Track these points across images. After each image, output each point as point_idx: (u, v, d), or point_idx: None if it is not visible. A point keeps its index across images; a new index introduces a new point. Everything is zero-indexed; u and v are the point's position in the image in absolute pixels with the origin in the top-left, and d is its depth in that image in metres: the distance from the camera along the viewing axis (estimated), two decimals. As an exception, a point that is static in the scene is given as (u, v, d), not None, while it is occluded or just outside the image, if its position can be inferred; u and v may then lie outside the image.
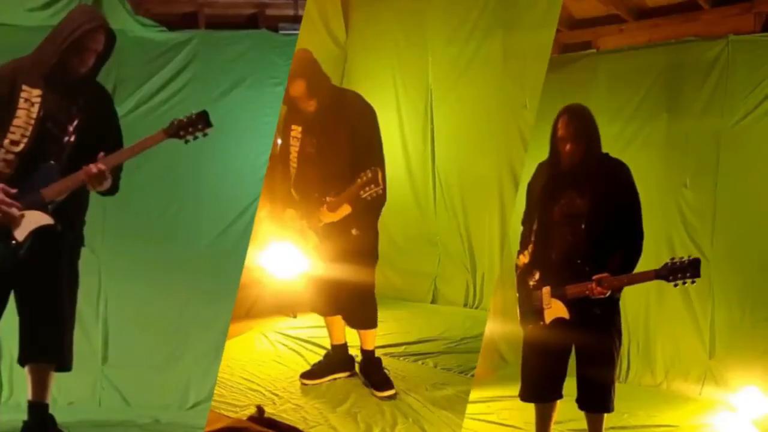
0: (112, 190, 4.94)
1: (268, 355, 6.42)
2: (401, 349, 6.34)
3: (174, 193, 6.54)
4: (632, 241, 4.82)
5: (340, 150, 5.14)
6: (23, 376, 5.02)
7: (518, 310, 5.04)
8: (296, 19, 7.42)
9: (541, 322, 4.88)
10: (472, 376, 5.78)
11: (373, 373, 5.55)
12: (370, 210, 5.18)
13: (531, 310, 4.93)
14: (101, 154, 4.64)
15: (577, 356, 4.96)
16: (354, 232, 5.23)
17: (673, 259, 4.55)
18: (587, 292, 4.66)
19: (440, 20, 7.79)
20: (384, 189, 4.95)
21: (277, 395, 5.56)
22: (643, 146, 6.96)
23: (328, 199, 5.10)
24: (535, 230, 4.96)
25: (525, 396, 5.08)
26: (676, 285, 4.57)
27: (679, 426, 6.02)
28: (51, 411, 5.03)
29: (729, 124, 6.61)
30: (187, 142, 4.89)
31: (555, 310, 4.83)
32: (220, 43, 6.66)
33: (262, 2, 7.48)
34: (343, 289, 5.38)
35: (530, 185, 5.13)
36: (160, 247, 6.47)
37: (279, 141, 5.76)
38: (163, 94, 6.50)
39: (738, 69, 6.57)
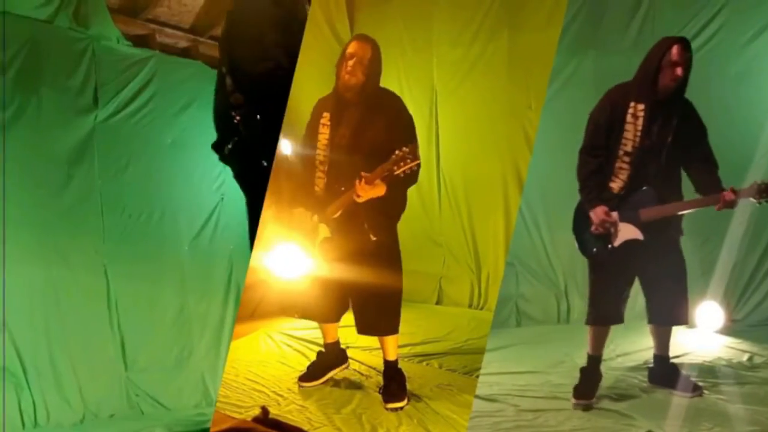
0: None
1: (272, 356, 6.42)
2: (406, 350, 6.33)
3: (156, 199, 6.61)
4: (711, 163, 5.33)
5: (377, 142, 5.02)
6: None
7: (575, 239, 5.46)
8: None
9: (610, 245, 5.30)
10: (477, 377, 5.77)
11: (393, 386, 5.42)
12: (402, 188, 5.14)
13: (594, 236, 5.35)
14: None
15: (650, 276, 5.42)
16: (372, 237, 5.16)
17: (759, 181, 5.02)
18: (717, 203, 5.09)
19: (445, 21, 7.80)
20: (419, 163, 4.86)
21: (281, 396, 5.55)
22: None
23: (362, 174, 4.88)
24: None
25: (594, 319, 5.53)
26: (760, 203, 5.08)
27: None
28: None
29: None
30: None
31: (626, 232, 5.25)
32: (174, 64, 6.80)
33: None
34: (356, 291, 5.30)
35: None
36: (152, 248, 6.53)
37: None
38: (137, 102, 6.60)
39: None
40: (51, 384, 6.09)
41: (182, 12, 7.57)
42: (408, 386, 5.48)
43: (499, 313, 7.23)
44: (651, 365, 5.74)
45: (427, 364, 6.08)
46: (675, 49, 5.16)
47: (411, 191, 7.93)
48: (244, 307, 6.85)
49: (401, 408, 5.25)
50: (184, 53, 7.70)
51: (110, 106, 6.53)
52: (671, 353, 5.88)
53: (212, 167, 6.67)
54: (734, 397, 5.42)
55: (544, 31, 6.93)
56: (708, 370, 5.96)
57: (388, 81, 8.02)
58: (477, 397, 5.56)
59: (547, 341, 6.02)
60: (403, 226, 8.01)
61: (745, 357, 6.19)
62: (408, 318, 7.11)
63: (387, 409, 5.26)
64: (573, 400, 5.47)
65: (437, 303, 7.92)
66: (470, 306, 7.67)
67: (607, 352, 6.19)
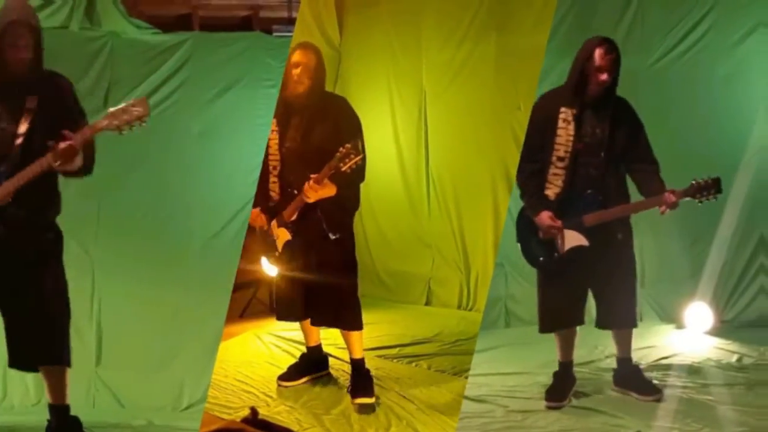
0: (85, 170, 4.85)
1: (262, 356, 6.42)
2: (395, 351, 6.34)
3: (165, 196, 6.52)
4: (650, 163, 5.35)
5: (324, 143, 5.08)
6: (16, 377, 5.01)
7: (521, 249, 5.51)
8: (290, 21, 7.44)
9: (556, 254, 5.34)
10: (467, 377, 5.78)
11: (360, 381, 5.45)
12: (351, 185, 5.19)
13: (538, 244, 5.41)
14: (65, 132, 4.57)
15: (598, 280, 5.47)
16: (332, 236, 5.22)
17: (696, 179, 5.07)
18: (662, 206, 5.12)
19: (434, 22, 7.81)
20: (364, 158, 4.99)
21: (271, 397, 5.56)
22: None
23: (311, 176, 4.99)
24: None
25: (545, 328, 5.62)
26: (700, 202, 5.13)
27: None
28: (40, 412, 5.04)
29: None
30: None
31: (571, 239, 5.29)
32: (214, 45, 6.64)
33: (256, 4, 7.48)
34: (319, 288, 5.35)
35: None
36: (153, 248, 6.46)
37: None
38: (157, 96, 6.48)
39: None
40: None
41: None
42: (397, 387, 5.52)
43: (489, 314, 7.22)
44: (615, 368, 5.76)
45: (416, 365, 6.09)
46: (598, 54, 5.19)
47: (400, 192, 8.00)
48: (233, 308, 6.83)
49: (371, 405, 5.29)
50: (244, 24, 7.53)
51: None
52: (661, 354, 5.91)
53: (253, 154, 6.47)
54: (723, 397, 5.44)
55: (533, 33, 6.94)
56: (697, 371, 5.98)
57: (377, 83, 8.09)
58: (466, 398, 5.56)
59: (537, 342, 6.00)
60: (391, 227, 8.06)
61: (734, 358, 6.21)
62: (397, 319, 7.14)
63: (355, 404, 5.29)
64: (545, 402, 5.51)
65: (426, 304, 7.92)
66: (459, 307, 7.68)
67: (596, 353, 6.22)
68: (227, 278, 6.16)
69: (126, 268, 6.41)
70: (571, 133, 5.26)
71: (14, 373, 5.44)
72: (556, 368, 5.67)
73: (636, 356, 5.86)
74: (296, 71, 5.17)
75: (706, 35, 7.08)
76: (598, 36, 5.34)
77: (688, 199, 5.12)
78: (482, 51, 7.48)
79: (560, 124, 5.28)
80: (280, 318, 5.81)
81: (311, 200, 5.06)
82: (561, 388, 5.59)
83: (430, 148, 7.90)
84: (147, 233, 6.46)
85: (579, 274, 5.43)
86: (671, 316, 7.14)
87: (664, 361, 6.14)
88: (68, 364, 5.02)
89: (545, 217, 5.30)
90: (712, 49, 7.07)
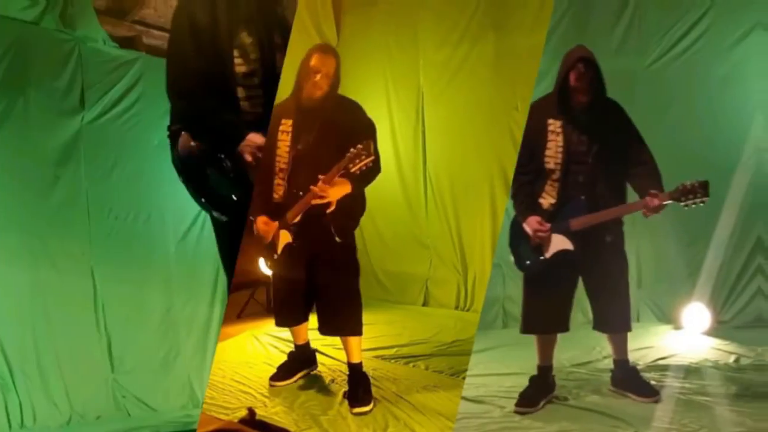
0: None
1: (259, 357, 6.41)
2: (392, 351, 6.34)
3: (143, 201, 6.59)
4: (646, 165, 5.31)
5: (337, 146, 5.00)
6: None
7: (511, 253, 5.53)
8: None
9: (542, 257, 5.35)
10: (464, 378, 5.77)
11: (360, 391, 5.38)
12: (364, 185, 5.17)
13: (526, 249, 5.42)
14: None
15: (590, 284, 5.49)
16: (338, 240, 5.18)
17: (684, 182, 4.97)
18: (644, 209, 5.09)
19: (431, 23, 7.81)
20: (377, 161, 4.92)
21: (268, 398, 5.55)
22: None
23: (320, 176, 4.93)
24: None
25: (525, 329, 5.65)
26: (686, 206, 5.01)
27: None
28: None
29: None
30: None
31: (557, 243, 5.29)
32: (161, 66, 6.79)
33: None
34: (320, 293, 5.36)
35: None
36: (140, 250, 6.52)
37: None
38: (123, 103, 6.58)
39: None
40: (37, 386, 6.08)
41: (168, 13, 7.53)
42: (394, 388, 5.50)
43: (486, 315, 7.24)
44: (612, 369, 5.76)
45: (414, 366, 6.08)
46: (573, 76, 5.24)
47: (397, 192, 8.00)
48: (231, 309, 6.84)
49: (368, 412, 5.25)
50: None
51: (97, 108, 6.53)
52: (659, 354, 5.91)
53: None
54: (720, 398, 5.44)
55: (531, 33, 6.94)
56: (694, 371, 5.98)
57: (374, 82, 8.09)
58: (464, 398, 5.57)
59: (534, 343, 6.02)
60: (389, 228, 8.05)
61: (731, 358, 6.22)
62: (394, 319, 7.13)
63: (353, 413, 5.25)
64: (514, 407, 5.51)
65: (424, 304, 7.91)
66: (457, 307, 7.67)
67: (594, 354, 6.23)
68: (203, 275, 6.24)
69: (119, 270, 6.48)
70: (560, 144, 5.28)
71: (41, 395, 5.54)
72: (553, 369, 5.68)
73: (633, 357, 5.87)
74: (317, 77, 5.13)
75: (703, 36, 7.09)
76: (578, 49, 5.36)
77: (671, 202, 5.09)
78: (480, 51, 7.49)
79: (549, 136, 5.32)
80: (280, 324, 5.75)
81: (330, 199, 4.98)
82: (534, 393, 5.58)
83: (428, 148, 7.90)
84: (133, 235, 6.54)
85: (564, 279, 5.46)
86: (669, 317, 7.16)
87: (661, 362, 6.15)
88: None
89: (533, 222, 5.34)
90: (709, 51, 7.08)
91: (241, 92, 4.92)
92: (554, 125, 5.30)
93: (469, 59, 7.57)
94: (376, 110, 7.73)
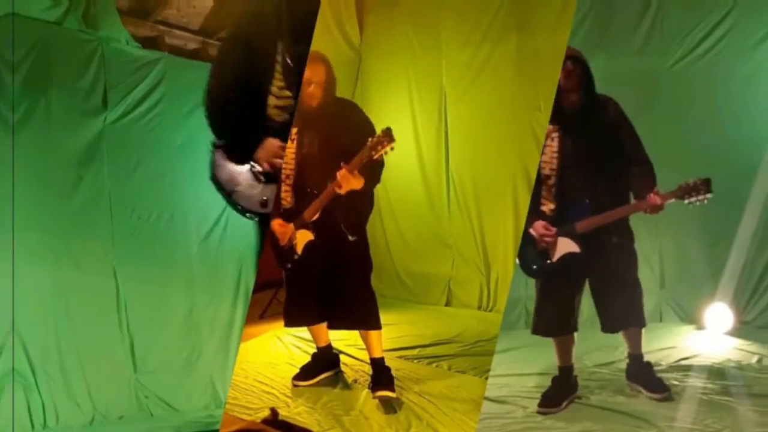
0: None
1: (282, 357, 6.43)
2: (415, 351, 6.34)
3: (166, 201, 6.62)
4: (642, 164, 5.28)
5: (342, 143, 5.15)
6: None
7: (518, 258, 5.53)
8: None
9: (549, 261, 5.36)
10: (487, 378, 5.78)
11: (383, 378, 5.46)
12: (374, 182, 5.26)
13: (533, 254, 5.42)
14: None
15: (596, 285, 5.50)
16: (351, 238, 5.27)
17: (687, 180, 4.95)
18: (648, 209, 5.07)
19: (454, 23, 7.80)
20: (393, 147, 4.97)
21: (291, 398, 5.57)
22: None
23: (342, 165, 5.02)
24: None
25: (535, 330, 5.62)
26: (690, 204, 4.99)
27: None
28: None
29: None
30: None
31: (563, 246, 5.31)
32: (183, 66, 6.79)
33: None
34: (338, 290, 5.40)
35: None
36: (162, 250, 6.54)
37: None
38: (146, 104, 6.61)
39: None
40: (60, 386, 6.09)
41: (191, 14, 7.58)
42: (417, 388, 5.52)
43: (509, 315, 7.22)
44: (627, 363, 5.76)
45: (437, 366, 6.09)
46: (562, 76, 5.23)
47: (420, 192, 8.01)
48: (254, 309, 6.86)
49: (391, 397, 5.31)
50: (194, 55, 7.71)
51: (119, 108, 6.54)
52: (681, 355, 5.89)
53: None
54: (743, 398, 5.42)
55: (553, 33, 6.93)
56: (717, 371, 5.95)
57: (397, 83, 8.10)
58: (486, 398, 5.56)
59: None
60: (411, 228, 8.06)
61: (754, 359, 6.18)
62: (417, 319, 7.14)
63: (375, 396, 5.33)
64: (537, 408, 5.50)
65: (446, 305, 7.91)
66: (479, 308, 7.67)
67: (616, 354, 6.20)
68: (225, 274, 6.26)
69: (142, 270, 6.51)
70: (555, 149, 5.30)
71: (64, 396, 5.56)
72: (576, 369, 5.67)
73: (656, 357, 5.86)
74: (310, 88, 5.26)
75: (725, 37, 7.05)
76: (568, 51, 5.33)
77: (674, 200, 5.06)
78: (502, 51, 7.48)
79: (546, 141, 5.35)
80: (289, 325, 5.80)
81: (343, 190, 5.06)
82: (556, 394, 5.57)
83: (450, 148, 7.90)
84: (155, 236, 6.57)
85: (572, 282, 5.48)
86: (691, 317, 7.13)
87: (684, 362, 6.12)
88: None
89: (539, 227, 5.36)
90: (732, 51, 7.04)
91: (271, 101, 5.05)
92: (551, 130, 5.32)
93: (492, 59, 7.57)
94: (398, 110, 7.76)
